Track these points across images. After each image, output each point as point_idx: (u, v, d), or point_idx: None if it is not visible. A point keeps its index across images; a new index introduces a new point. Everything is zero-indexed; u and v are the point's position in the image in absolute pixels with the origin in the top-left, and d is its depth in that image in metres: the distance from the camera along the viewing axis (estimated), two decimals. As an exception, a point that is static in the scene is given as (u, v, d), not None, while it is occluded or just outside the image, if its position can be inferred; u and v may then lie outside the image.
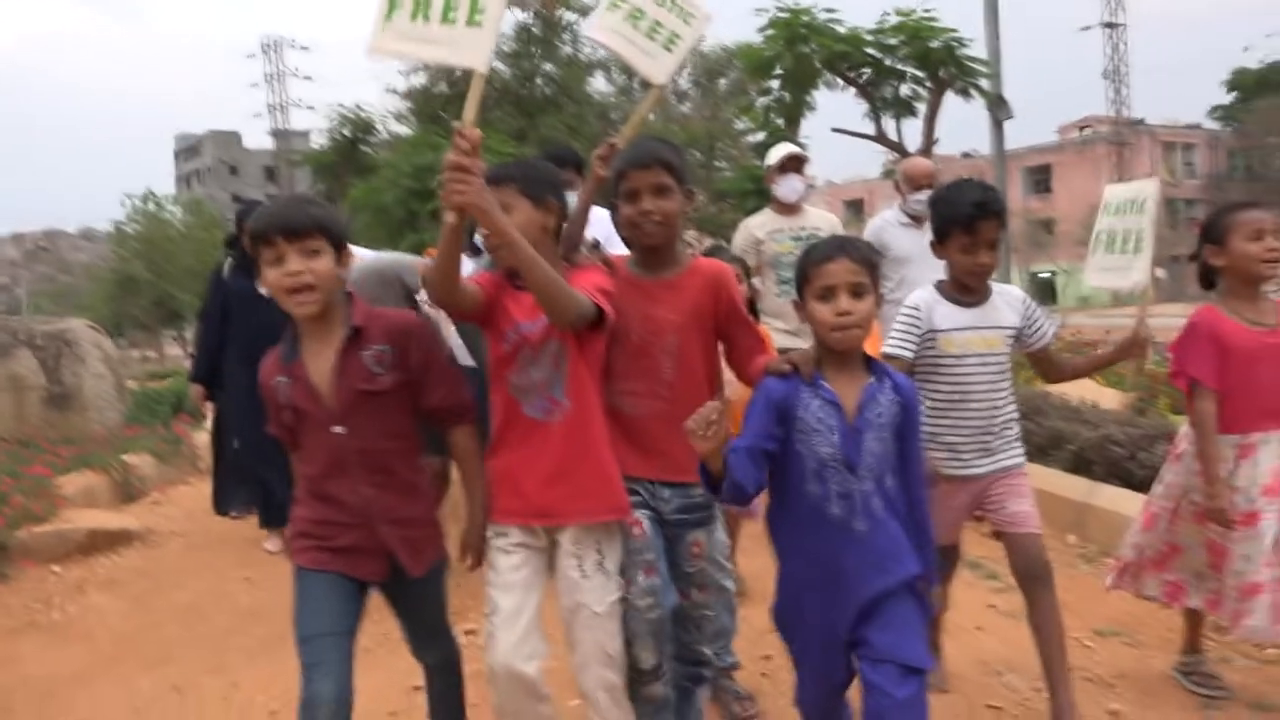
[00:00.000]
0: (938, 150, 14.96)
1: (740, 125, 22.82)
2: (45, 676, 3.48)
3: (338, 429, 2.23)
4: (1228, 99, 52.42)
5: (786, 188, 4.90)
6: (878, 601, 2.09)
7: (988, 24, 14.57)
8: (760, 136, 19.40)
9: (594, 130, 23.87)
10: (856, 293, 2.12)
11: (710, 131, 25.11)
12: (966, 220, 2.74)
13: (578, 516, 2.31)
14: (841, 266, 2.13)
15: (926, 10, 13.03)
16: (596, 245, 3.69)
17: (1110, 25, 41.27)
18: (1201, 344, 2.82)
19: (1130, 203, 3.08)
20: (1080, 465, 4.41)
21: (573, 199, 4.09)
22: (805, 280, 2.20)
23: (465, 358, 3.43)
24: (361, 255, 3.68)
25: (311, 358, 2.26)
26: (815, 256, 2.20)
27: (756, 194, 17.77)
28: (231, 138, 76.75)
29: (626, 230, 2.46)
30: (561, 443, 2.31)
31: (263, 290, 4.11)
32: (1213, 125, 54.86)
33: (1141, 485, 4.16)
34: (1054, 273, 45.44)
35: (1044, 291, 46.08)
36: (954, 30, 12.99)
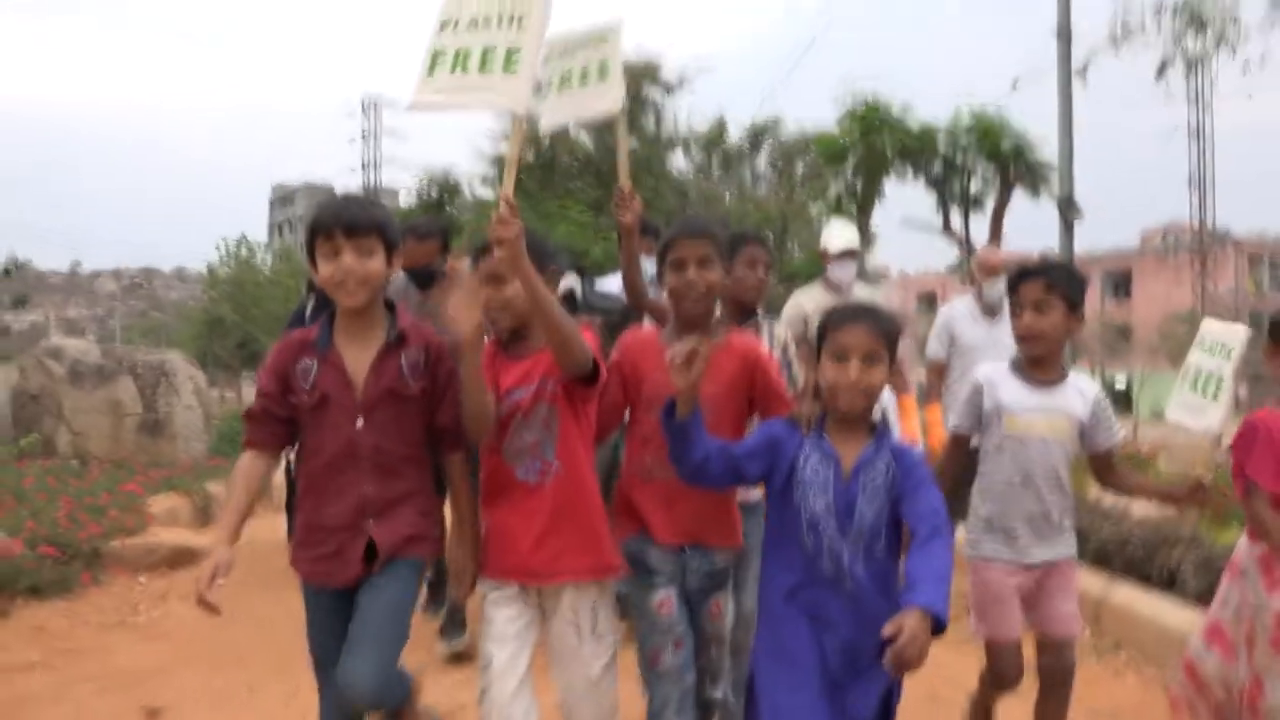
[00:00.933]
0: (1009, 247, 15.16)
1: (814, 209, 23.20)
2: (134, 668, 3.87)
3: (359, 422, 2.28)
4: None
5: (841, 271, 4.89)
6: (857, 671, 2.12)
7: (1061, 126, 14.83)
8: (829, 222, 19.81)
9: (670, 205, 24.45)
10: (869, 360, 2.17)
11: (784, 213, 25.52)
12: (1013, 282, 2.79)
13: (571, 576, 2.36)
14: (859, 332, 2.19)
15: (999, 107, 13.37)
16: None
17: (1196, 133, 40.97)
18: (1260, 445, 2.67)
19: (1220, 345, 2.96)
20: (1101, 560, 4.58)
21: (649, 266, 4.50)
22: (824, 338, 2.26)
23: None
24: None
25: (348, 350, 2.33)
26: (837, 318, 2.26)
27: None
28: (325, 191, 79.27)
29: (671, 299, 2.56)
30: (552, 504, 2.36)
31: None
32: None
33: (1157, 584, 4.32)
34: (1130, 380, 44.48)
35: (1119, 400, 45.19)
36: (1024, 131, 13.28)
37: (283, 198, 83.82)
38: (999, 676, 2.79)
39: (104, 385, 8.46)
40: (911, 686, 2.52)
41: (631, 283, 3.21)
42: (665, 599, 2.45)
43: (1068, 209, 14.93)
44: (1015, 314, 2.77)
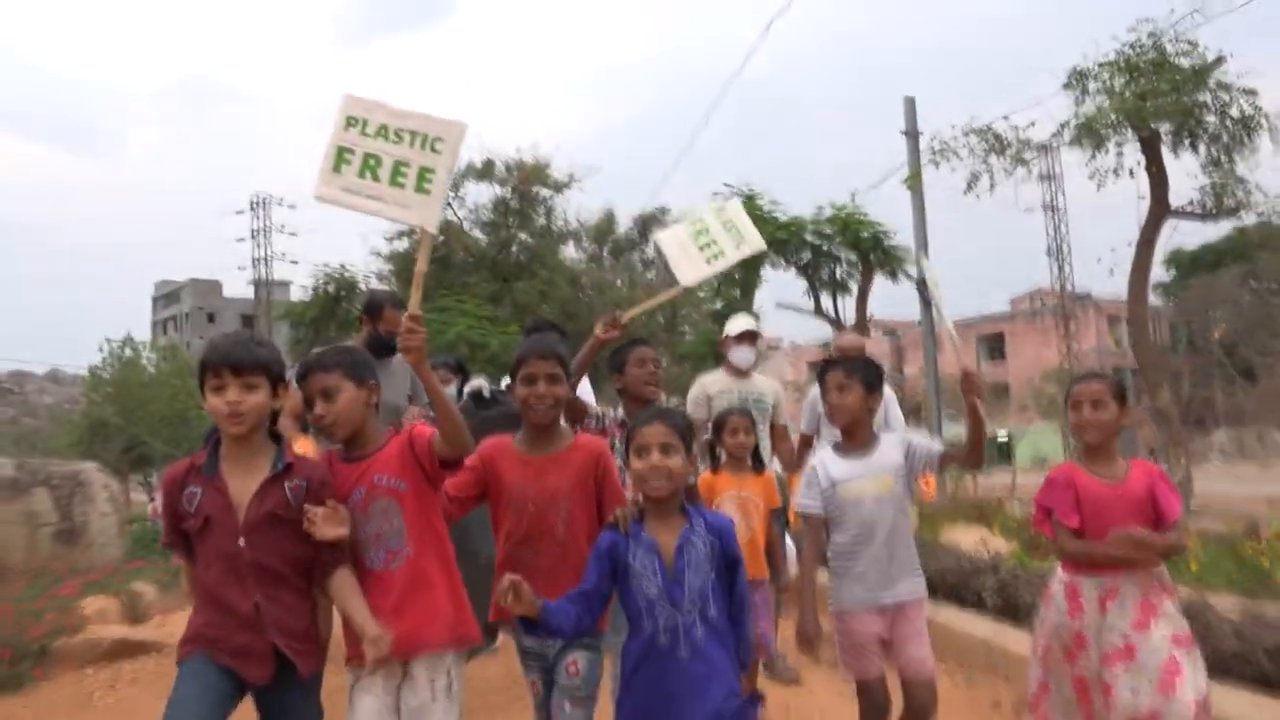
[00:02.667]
0: (876, 322, 16.48)
1: (701, 293, 24.40)
2: None
3: (240, 542, 2.43)
4: (1167, 277, 54.42)
5: (739, 356, 5.22)
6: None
7: (915, 216, 16.42)
8: (718, 305, 21.01)
9: (564, 294, 25.26)
10: (664, 450, 2.48)
11: (672, 301, 26.59)
12: (821, 371, 3.35)
13: (424, 650, 2.55)
14: (655, 430, 2.51)
15: (857, 205, 14.80)
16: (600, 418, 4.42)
17: (1050, 209, 44.20)
18: (1059, 492, 3.07)
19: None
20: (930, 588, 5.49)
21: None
22: (629, 441, 2.56)
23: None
24: None
25: (232, 476, 2.48)
26: (638, 422, 2.58)
27: (714, 357, 19.12)
28: (212, 286, 77.17)
29: (523, 408, 2.85)
30: (401, 586, 2.56)
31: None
32: (1155, 301, 57.01)
33: (968, 605, 5.25)
34: (1009, 435, 46.36)
35: (1001, 452, 46.91)
36: (881, 224, 14.73)
37: (167, 294, 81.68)
38: (870, 707, 3.17)
39: (19, 498, 8.72)
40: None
41: (572, 384, 3.48)
42: (534, 681, 2.81)
43: (924, 288, 16.42)
44: (824, 396, 3.28)
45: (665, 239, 3.49)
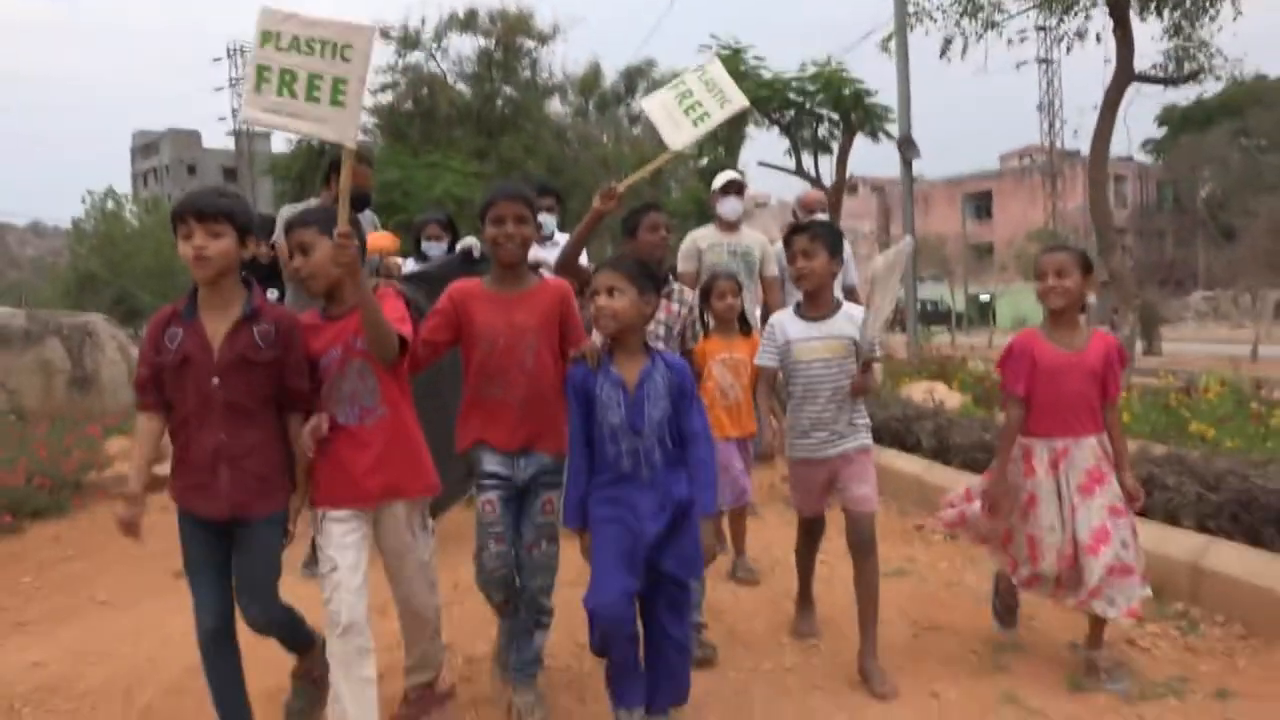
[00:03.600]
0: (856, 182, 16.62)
1: (687, 152, 24.32)
2: (151, 551, 4.70)
3: (215, 380, 2.57)
4: (1158, 133, 53.55)
5: (726, 208, 5.41)
6: (658, 539, 2.64)
7: (899, 73, 16.40)
8: (704, 162, 21.14)
9: (550, 149, 25.22)
10: (609, 293, 2.70)
11: (657, 155, 26.55)
12: (786, 238, 3.40)
13: (403, 495, 2.77)
14: (601, 275, 2.75)
15: (839, 62, 14.82)
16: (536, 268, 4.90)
17: (1043, 61, 43.49)
18: (1012, 360, 3.21)
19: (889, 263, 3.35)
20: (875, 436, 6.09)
21: (545, 220, 5.15)
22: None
23: None
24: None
25: (208, 320, 2.60)
26: (597, 270, 2.81)
27: (699, 215, 19.39)
28: (192, 137, 75.25)
29: (492, 247, 2.97)
30: (380, 440, 2.72)
31: (270, 295, 5.44)
32: (1145, 158, 56.44)
33: (910, 449, 5.86)
34: (992, 295, 46.71)
35: (983, 313, 47.19)
36: (861, 81, 14.77)
37: (145, 145, 79.46)
38: (805, 534, 3.55)
39: (32, 347, 9.21)
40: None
41: (573, 254, 3.64)
42: (489, 500, 2.89)
43: (906, 148, 16.55)
44: (790, 260, 3.33)
45: (651, 106, 3.48)
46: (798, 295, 3.45)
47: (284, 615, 2.73)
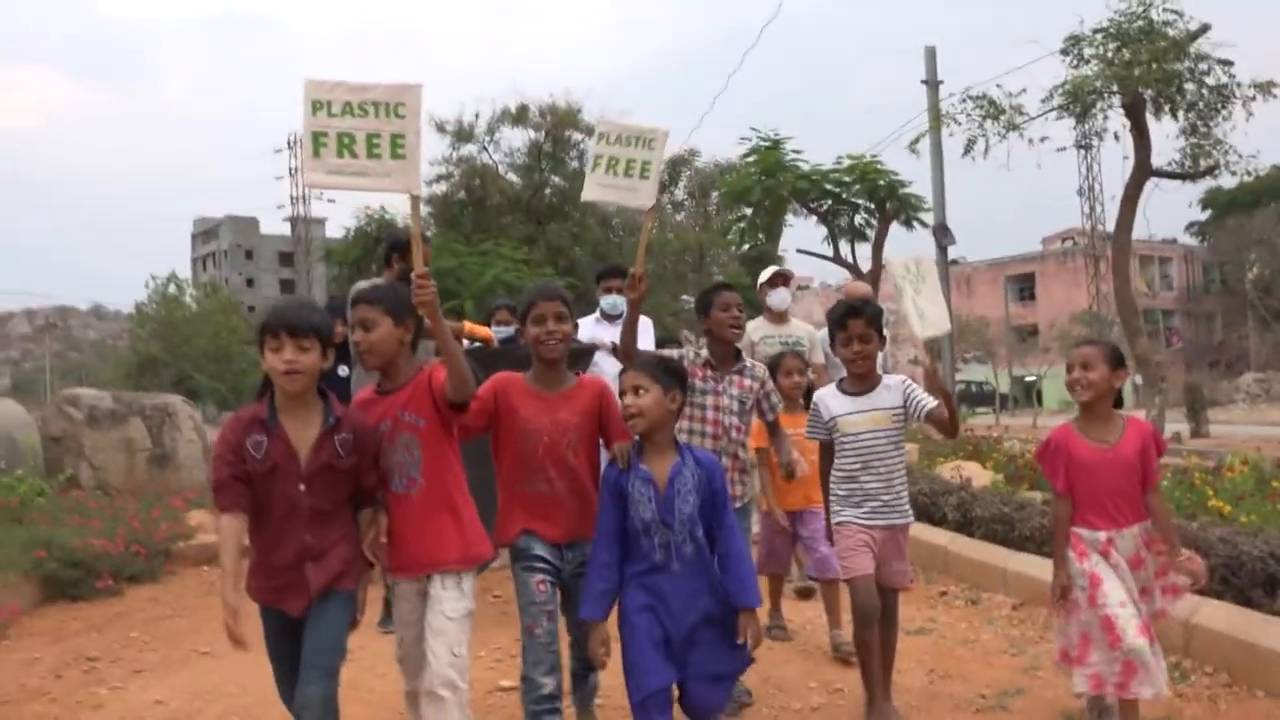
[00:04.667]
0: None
1: (730, 237, 25.01)
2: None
3: (301, 487, 2.67)
4: (1203, 216, 53.37)
5: (776, 299, 5.65)
6: (693, 630, 2.72)
7: (933, 164, 17.07)
8: (746, 248, 21.83)
9: (596, 236, 26.08)
10: (635, 392, 2.79)
11: (701, 241, 27.28)
12: (839, 320, 3.44)
13: (440, 567, 2.84)
14: (627, 376, 2.87)
15: (874, 155, 15.52)
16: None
17: (1082, 147, 44.11)
18: (1049, 455, 3.26)
19: (911, 270, 3.62)
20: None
21: (616, 301, 5.57)
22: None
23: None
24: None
25: (291, 427, 2.69)
26: (624, 370, 2.95)
27: (750, 305, 19.85)
28: (249, 223, 77.25)
29: (534, 346, 3.10)
30: (419, 510, 2.84)
31: (341, 371, 5.99)
32: (1189, 241, 56.20)
33: (936, 522, 6.24)
34: (1038, 376, 46.43)
35: (1028, 394, 46.70)
36: (896, 173, 15.44)
37: (205, 231, 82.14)
38: (860, 608, 3.35)
39: (117, 426, 9.90)
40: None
41: (627, 343, 3.54)
42: (542, 580, 2.99)
43: (941, 235, 17.15)
44: (846, 341, 3.41)
45: (594, 194, 3.44)
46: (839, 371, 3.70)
47: (332, 697, 2.68)
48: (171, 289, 43.95)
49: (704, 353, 3.71)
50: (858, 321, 3.40)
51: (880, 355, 3.87)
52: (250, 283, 75.26)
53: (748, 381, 3.71)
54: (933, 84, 17.55)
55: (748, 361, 3.79)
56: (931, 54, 18.01)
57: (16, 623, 5.14)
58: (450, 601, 2.82)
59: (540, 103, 26.03)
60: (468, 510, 2.93)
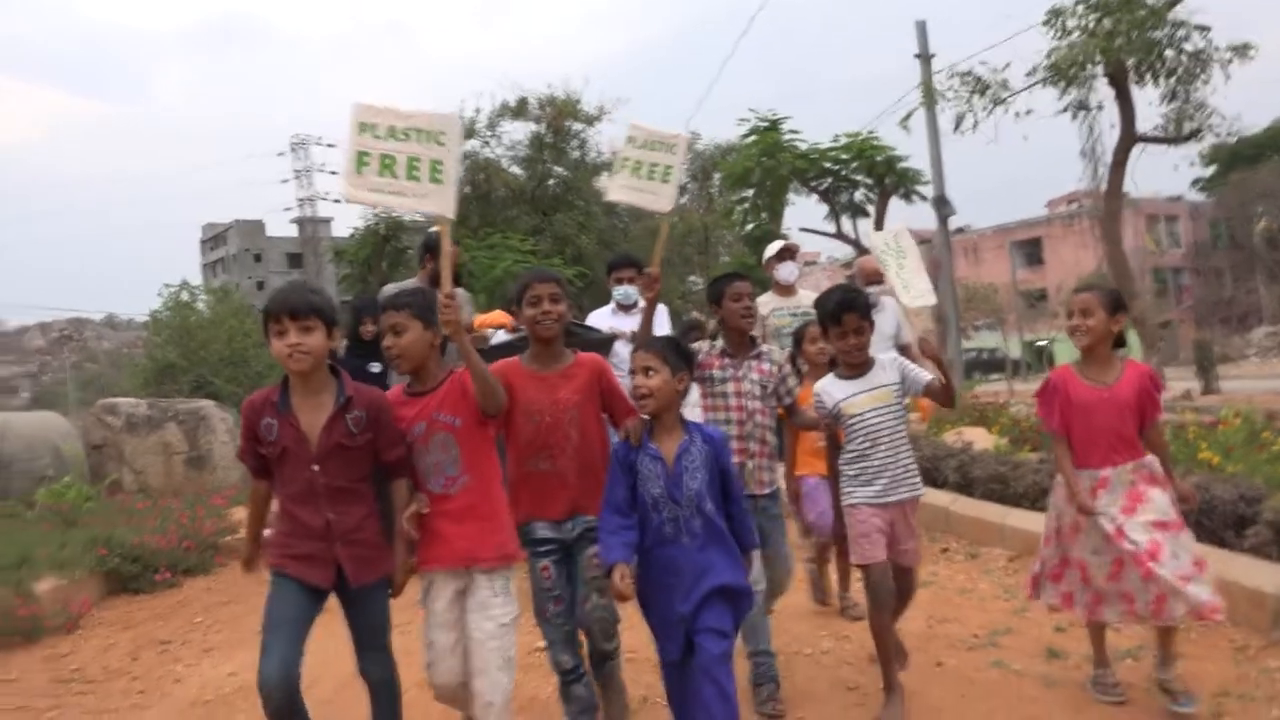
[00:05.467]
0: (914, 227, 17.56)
1: (734, 217, 25.23)
2: None
3: (315, 468, 2.73)
4: (1208, 171, 52.91)
5: (784, 272, 5.76)
6: (702, 599, 2.77)
7: (930, 137, 17.30)
8: (750, 228, 22.12)
9: (601, 223, 26.30)
10: (645, 373, 2.85)
11: (705, 223, 27.54)
12: (834, 314, 3.44)
13: (482, 563, 2.90)
14: (637, 356, 2.90)
15: (870, 131, 15.83)
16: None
17: (1082, 108, 44.08)
18: (1046, 396, 3.40)
19: (891, 245, 3.74)
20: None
21: (628, 291, 5.58)
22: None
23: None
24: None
25: (302, 410, 2.76)
26: (633, 352, 2.97)
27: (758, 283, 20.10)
28: (256, 227, 77.60)
29: (530, 327, 3.14)
30: (462, 507, 2.89)
31: (373, 368, 6.37)
32: (1196, 197, 55.75)
33: (939, 485, 6.59)
34: (1050, 340, 46.44)
35: (1040, 358, 46.79)
36: (893, 148, 15.76)
37: (214, 237, 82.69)
38: (873, 588, 3.41)
39: (155, 431, 10.35)
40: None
41: (644, 338, 3.57)
42: (546, 565, 3.12)
43: (940, 206, 17.42)
44: (842, 335, 3.45)
45: (617, 194, 3.55)
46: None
47: (394, 673, 2.96)
48: (184, 296, 44.41)
49: (719, 343, 3.74)
50: (852, 316, 3.44)
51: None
52: (260, 285, 75.67)
53: (766, 366, 3.71)
54: (925, 58, 17.73)
55: (764, 346, 3.80)
56: (923, 28, 18.19)
57: (88, 614, 5.57)
58: (500, 607, 2.91)
59: (538, 94, 26.28)
60: (504, 509, 3.01)
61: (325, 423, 2.75)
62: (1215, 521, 4.43)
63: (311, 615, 2.79)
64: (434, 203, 2.85)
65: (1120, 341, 3.40)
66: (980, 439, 8.41)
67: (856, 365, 3.50)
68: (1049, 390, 3.41)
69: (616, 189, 3.55)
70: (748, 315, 3.69)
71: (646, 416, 2.91)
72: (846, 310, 3.43)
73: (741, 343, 3.70)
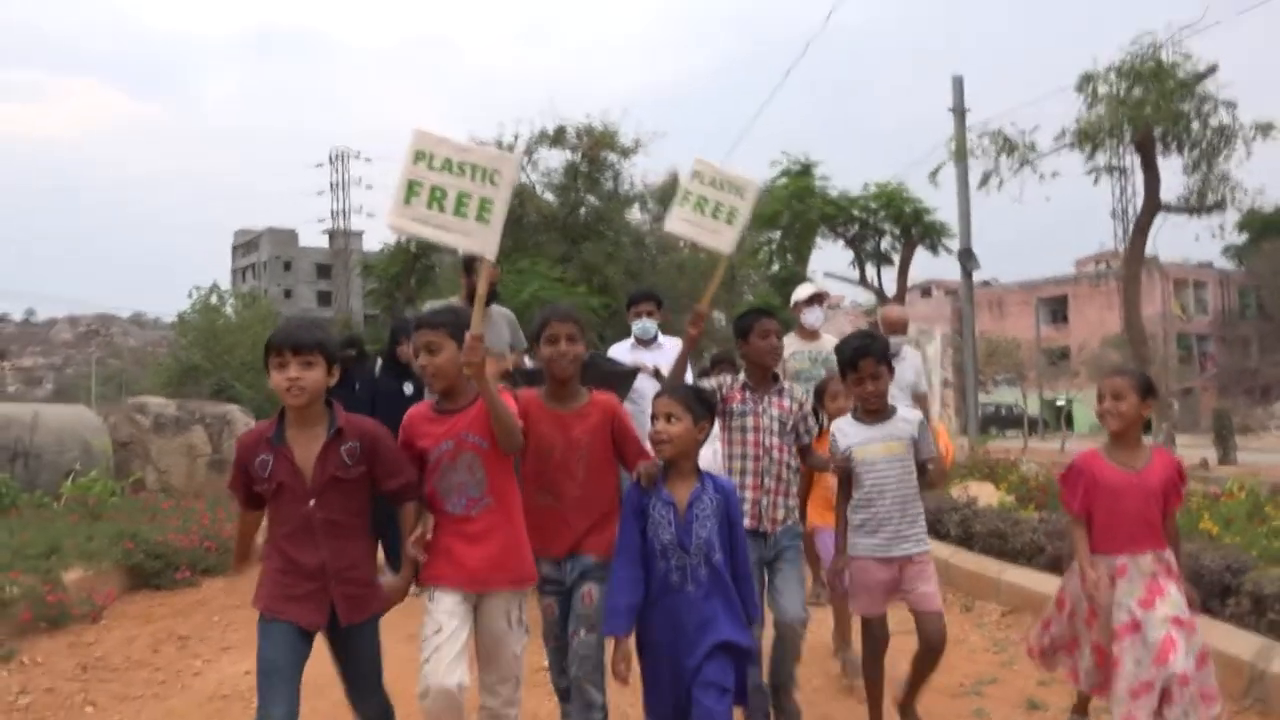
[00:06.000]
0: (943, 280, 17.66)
1: (760, 257, 25.37)
2: None
3: (311, 503, 2.69)
4: (1240, 239, 52.57)
5: (811, 317, 5.80)
6: (706, 653, 2.75)
7: (959, 190, 17.49)
8: (775, 269, 22.35)
9: (629, 255, 26.62)
10: (668, 419, 2.86)
11: (731, 262, 27.68)
12: (851, 360, 3.50)
13: (499, 585, 2.89)
14: (660, 401, 2.90)
15: (900, 182, 16.09)
16: (656, 373, 5.31)
17: (1113, 169, 44.09)
18: (1071, 478, 3.36)
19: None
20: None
21: (647, 326, 5.89)
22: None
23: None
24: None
25: (297, 444, 2.73)
26: (655, 395, 2.98)
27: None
28: (288, 235, 78.57)
29: (547, 365, 3.18)
30: (483, 529, 2.88)
31: (407, 389, 6.56)
32: (1226, 265, 55.06)
33: (941, 538, 6.72)
34: (1069, 400, 46.10)
35: (1058, 417, 46.48)
36: (920, 200, 16.00)
37: (246, 243, 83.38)
38: (870, 639, 3.56)
39: (181, 433, 10.63)
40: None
41: (678, 372, 3.73)
42: (550, 603, 3.18)
43: (966, 259, 17.58)
44: (859, 381, 3.50)
45: (678, 228, 3.54)
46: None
47: (390, 713, 2.97)
48: (213, 299, 45.00)
49: (741, 376, 3.75)
50: (868, 361, 3.47)
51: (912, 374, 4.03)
52: (288, 294, 76.55)
53: (786, 402, 3.71)
54: (959, 112, 17.98)
55: (785, 383, 3.81)
56: (959, 83, 18.45)
57: (111, 605, 5.79)
58: (516, 635, 2.94)
59: (577, 124, 26.70)
60: (524, 534, 3.01)
61: (319, 455, 2.73)
62: (1202, 590, 4.55)
63: (305, 657, 2.77)
64: (477, 242, 2.83)
65: (1146, 426, 3.47)
66: (986, 495, 8.49)
67: (875, 411, 3.53)
68: (1074, 473, 3.38)
69: (677, 221, 3.54)
70: (773, 352, 3.71)
71: (662, 459, 2.91)
72: (863, 356, 3.48)
73: (764, 379, 3.71)
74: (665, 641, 2.82)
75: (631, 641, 2.85)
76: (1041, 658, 3.59)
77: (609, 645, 2.97)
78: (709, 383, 3.70)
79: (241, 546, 3.07)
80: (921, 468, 3.52)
